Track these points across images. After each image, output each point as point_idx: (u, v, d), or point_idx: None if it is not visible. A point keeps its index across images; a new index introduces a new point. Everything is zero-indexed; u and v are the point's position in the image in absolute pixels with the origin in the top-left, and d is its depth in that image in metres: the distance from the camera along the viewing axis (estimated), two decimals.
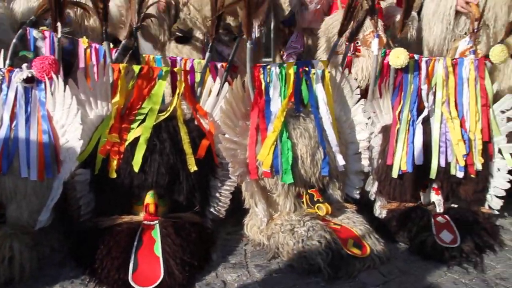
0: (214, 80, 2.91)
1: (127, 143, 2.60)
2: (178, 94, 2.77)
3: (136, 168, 2.55)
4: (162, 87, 2.75)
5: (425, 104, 2.97)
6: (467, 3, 3.13)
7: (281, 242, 2.53)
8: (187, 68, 3.03)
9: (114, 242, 2.37)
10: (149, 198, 2.57)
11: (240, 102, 2.74)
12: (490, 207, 3.06)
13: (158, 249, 2.37)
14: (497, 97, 3.05)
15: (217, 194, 2.83)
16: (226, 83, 2.89)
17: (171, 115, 2.74)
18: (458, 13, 3.24)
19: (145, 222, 2.53)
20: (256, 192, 2.73)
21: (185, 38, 3.49)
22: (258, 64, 2.83)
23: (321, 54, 3.42)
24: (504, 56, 2.90)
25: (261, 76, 2.74)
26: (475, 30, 2.99)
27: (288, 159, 2.68)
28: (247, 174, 2.72)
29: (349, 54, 3.24)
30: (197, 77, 3.00)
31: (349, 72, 3.22)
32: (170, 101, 2.80)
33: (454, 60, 2.97)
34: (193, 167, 2.67)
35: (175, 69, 2.85)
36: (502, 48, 2.88)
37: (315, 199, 2.73)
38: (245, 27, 2.59)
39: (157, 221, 2.52)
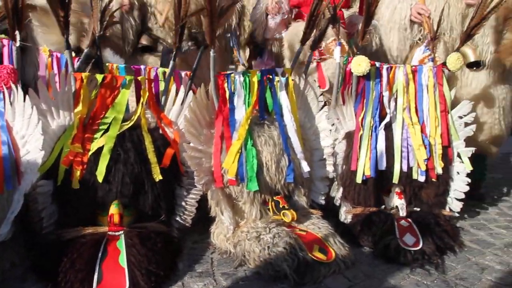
0: (178, 89, 2.91)
1: (90, 153, 2.57)
2: (142, 103, 2.75)
3: (100, 179, 2.52)
4: (126, 96, 2.73)
5: (387, 110, 3.04)
6: (420, 14, 3.22)
7: (248, 250, 2.53)
8: (151, 77, 3.01)
9: (77, 254, 2.32)
10: (113, 208, 2.54)
11: (204, 111, 2.75)
12: (450, 210, 3.15)
13: (123, 260, 2.33)
14: (455, 103, 3.15)
15: (183, 203, 2.83)
16: (191, 92, 2.89)
17: (135, 124, 2.73)
18: (412, 21, 3.32)
19: (110, 233, 2.49)
20: (222, 200, 2.74)
21: (150, 47, 3.47)
22: (222, 72, 2.84)
23: (285, 62, 3.47)
24: (460, 64, 2.99)
25: (225, 85, 2.75)
26: (432, 39, 3.08)
27: (253, 166, 2.69)
28: (213, 182, 2.72)
29: (316, 60, 3.29)
30: (162, 86, 2.99)
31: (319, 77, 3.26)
32: (134, 110, 2.79)
33: (414, 68, 3.05)
34: (158, 176, 2.65)
35: (139, 78, 2.84)
36: (458, 56, 2.98)
37: (281, 206, 2.74)
38: (208, 35, 2.60)
39: (122, 232, 2.49)
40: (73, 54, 2.80)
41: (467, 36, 2.93)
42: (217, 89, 2.72)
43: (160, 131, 2.81)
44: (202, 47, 3.02)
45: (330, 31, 3.09)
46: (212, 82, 2.71)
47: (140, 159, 2.66)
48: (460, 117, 3.11)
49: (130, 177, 2.61)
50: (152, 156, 2.68)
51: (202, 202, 2.84)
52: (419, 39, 3.29)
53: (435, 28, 3.03)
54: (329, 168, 3.04)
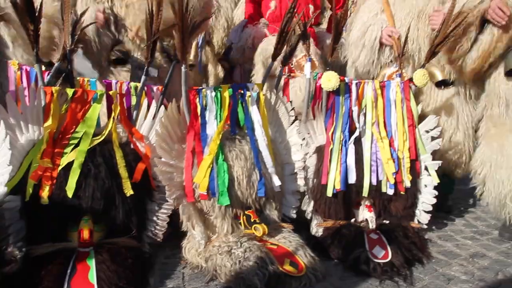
0: (150, 103, 2.92)
1: (60, 168, 2.55)
2: (114, 117, 2.75)
3: (69, 194, 2.50)
4: (97, 111, 2.72)
5: (357, 125, 3.09)
6: (390, 36, 3.32)
7: (219, 264, 2.54)
8: (123, 91, 3.00)
9: (46, 271, 2.29)
10: (83, 224, 2.51)
11: (176, 126, 2.76)
12: (419, 222, 3.21)
13: (92, 276, 2.31)
14: (422, 117, 3.23)
15: (155, 218, 2.82)
16: (162, 107, 2.90)
17: (106, 138, 2.71)
18: (383, 43, 3.42)
19: (80, 249, 2.47)
20: (193, 214, 2.74)
21: (122, 59, 3.47)
22: (194, 87, 2.86)
23: (257, 77, 3.51)
24: (426, 80, 3.08)
25: (197, 100, 2.76)
26: (400, 55, 3.17)
27: (224, 181, 2.71)
28: (184, 197, 2.72)
29: (285, 76, 3.34)
30: (133, 100, 2.99)
31: (285, 94, 3.32)
32: (105, 125, 2.78)
33: (382, 83, 3.12)
34: (129, 191, 2.65)
35: (110, 93, 2.83)
36: (424, 72, 3.07)
37: (252, 220, 2.76)
38: (179, 51, 2.62)
39: (91, 248, 2.47)
40: (43, 68, 2.79)
41: (432, 53, 3.03)
42: (188, 104, 2.74)
43: (132, 146, 2.81)
44: (174, 62, 3.04)
45: (301, 47, 3.15)
46: (183, 97, 2.72)
47: (111, 174, 2.64)
48: (427, 131, 3.19)
49: (100, 192, 2.59)
50: (123, 171, 2.67)
51: (174, 217, 2.83)
52: (390, 61, 3.38)
53: (402, 46, 3.13)
54: (300, 182, 3.08)
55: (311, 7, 3.74)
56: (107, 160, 2.66)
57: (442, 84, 3.33)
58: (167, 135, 2.73)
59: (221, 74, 5.19)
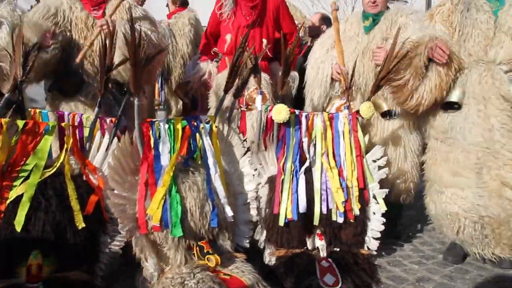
0: (103, 135, 2.93)
1: (8, 201, 2.51)
2: (66, 149, 2.74)
3: (18, 228, 2.46)
4: (48, 143, 2.70)
5: (307, 155, 3.19)
6: (338, 73, 3.52)
7: None
8: (75, 123, 3.00)
9: None
10: (32, 258, 2.48)
11: (129, 158, 2.77)
12: (368, 248, 3.30)
13: None
14: (370, 147, 3.37)
15: (107, 250, 2.80)
16: (116, 138, 2.91)
17: (58, 171, 2.70)
18: (333, 79, 3.61)
19: (28, 284, 2.42)
20: (146, 246, 2.74)
21: (75, 91, 3.46)
22: (148, 119, 2.89)
23: (212, 110, 3.59)
24: (372, 112, 3.24)
25: (150, 132, 2.80)
26: (348, 89, 3.33)
27: (177, 212, 2.73)
28: (137, 229, 2.72)
29: (242, 109, 3.44)
30: (86, 132, 2.99)
31: (241, 126, 3.41)
32: (57, 157, 2.76)
33: (331, 115, 3.25)
34: (80, 224, 2.63)
35: (62, 124, 2.83)
36: (370, 105, 3.23)
37: (205, 251, 2.79)
38: (132, 84, 2.66)
39: (40, 283, 2.43)
40: None
41: (377, 87, 3.19)
42: (142, 136, 2.77)
43: (84, 178, 2.80)
44: (127, 95, 3.07)
45: (252, 80, 3.25)
46: (136, 130, 2.75)
47: (62, 206, 2.63)
48: (374, 161, 3.33)
49: (51, 225, 2.57)
50: (74, 204, 2.66)
51: (127, 249, 2.83)
52: (339, 94, 3.55)
53: (348, 80, 3.30)
54: (253, 212, 3.14)
55: (264, 41, 3.86)
56: (59, 193, 2.65)
57: (387, 114, 3.50)
58: (120, 167, 2.74)
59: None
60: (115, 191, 2.71)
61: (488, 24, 3.11)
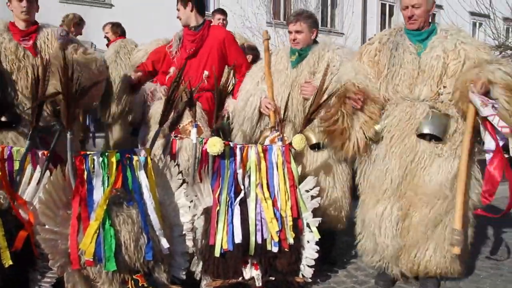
0: (35, 169, 2.87)
1: None
2: None
3: None
4: None
5: (241, 186, 3.26)
6: (267, 107, 3.66)
7: None
8: (5, 156, 2.93)
9: None
10: None
11: (61, 191, 2.74)
12: (303, 276, 3.38)
13: None
14: (303, 178, 3.48)
15: None
16: (47, 172, 2.87)
17: None
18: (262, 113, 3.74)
19: None
20: (78, 282, 2.70)
21: (9, 123, 3.40)
22: (81, 152, 2.87)
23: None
24: (303, 144, 3.37)
25: (83, 165, 2.78)
26: (280, 122, 3.46)
27: (111, 246, 2.71)
28: (69, 264, 2.68)
29: (173, 137, 3.48)
30: (16, 165, 2.93)
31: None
32: None
33: (265, 147, 3.35)
34: (8, 262, 2.55)
35: None
36: (301, 137, 3.36)
37: (140, 284, 2.78)
38: (64, 119, 2.65)
39: None
40: None
41: (307, 120, 3.33)
42: (74, 169, 2.74)
43: (13, 213, 2.73)
44: (59, 128, 3.04)
45: (187, 113, 3.32)
46: (69, 163, 2.73)
47: None
48: (307, 191, 3.44)
49: None
50: (1, 240, 2.58)
51: (58, 286, 2.76)
52: (271, 126, 3.66)
53: (282, 113, 3.43)
54: (189, 243, 3.15)
55: (206, 72, 3.93)
56: None
57: (316, 147, 3.65)
58: (52, 201, 2.70)
59: None
60: (46, 226, 2.66)
61: (413, 64, 3.31)
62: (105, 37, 6.11)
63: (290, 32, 3.74)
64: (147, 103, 4.04)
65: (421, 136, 3.23)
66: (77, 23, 5.76)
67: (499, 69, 3.00)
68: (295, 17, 3.73)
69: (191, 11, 3.95)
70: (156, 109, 3.82)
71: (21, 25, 3.50)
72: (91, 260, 2.69)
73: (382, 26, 20.27)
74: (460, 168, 3.10)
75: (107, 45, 6.03)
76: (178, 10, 4.00)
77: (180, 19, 4.02)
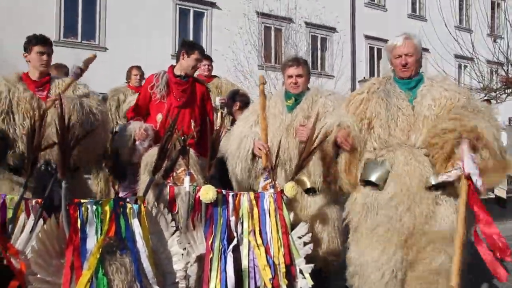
0: (28, 217, 2.88)
1: None
2: None
3: None
4: None
5: (234, 234, 3.27)
6: (260, 149, 3.71)
7: None
8: None
9: None
10: None
11: (54, 240, 2.73)
12: None
13: None
14: (295, 224, 3.51)
15: None
16: (41, 220, 2.87)
17: None
18: (255, 155, 3.79)
19: None
20: None
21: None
22: (76, 200, 2.89)
23: (142, 187, 3.62)
24: (295, 191, 3.41)
25: (77, 214, 2.79)
26: (272, 168, 3.51)
27: None
28: None
29: (169, 184, 3.51)
30: (9, 214, 2.93)
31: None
32: None
33: (257, 194, 3.39)
34: None
35: None
36: (293, 184, 3.40)
37: None
38: (59, 168, 2.68)
39: None
40: None
41: (300, 167, 3.38)
42: (68, 218, 2.75)
43: (5, 262, 2.71)
44: (54, 176, 3.06)
45: (181, 161, 3.36)
46: (63, 212, 2.74)
47: None
48: (299, 237, 3.46)
49: None
50: None
51: None
52: (264, 169, 3.70)
53: (274, 159, 3.48)
54: None
55: (192, 122, 4.02)
56: None
57: (310, 191, 3.69)
58: (45, 250, 2.69)
59: None
60: (38, 275, 2.64)
61: (408, 111, 3.38)
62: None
63: (290, 76, 3.82)
64: (137, 142, 4.04)
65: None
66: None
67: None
68: (295, 61, 3.83)
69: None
70: (146, 158, 3.85)
71: (35, 76, 3.60)
72: None
73: (371, 68, 20.77)
74: (458, 228, 3.00)
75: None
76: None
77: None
